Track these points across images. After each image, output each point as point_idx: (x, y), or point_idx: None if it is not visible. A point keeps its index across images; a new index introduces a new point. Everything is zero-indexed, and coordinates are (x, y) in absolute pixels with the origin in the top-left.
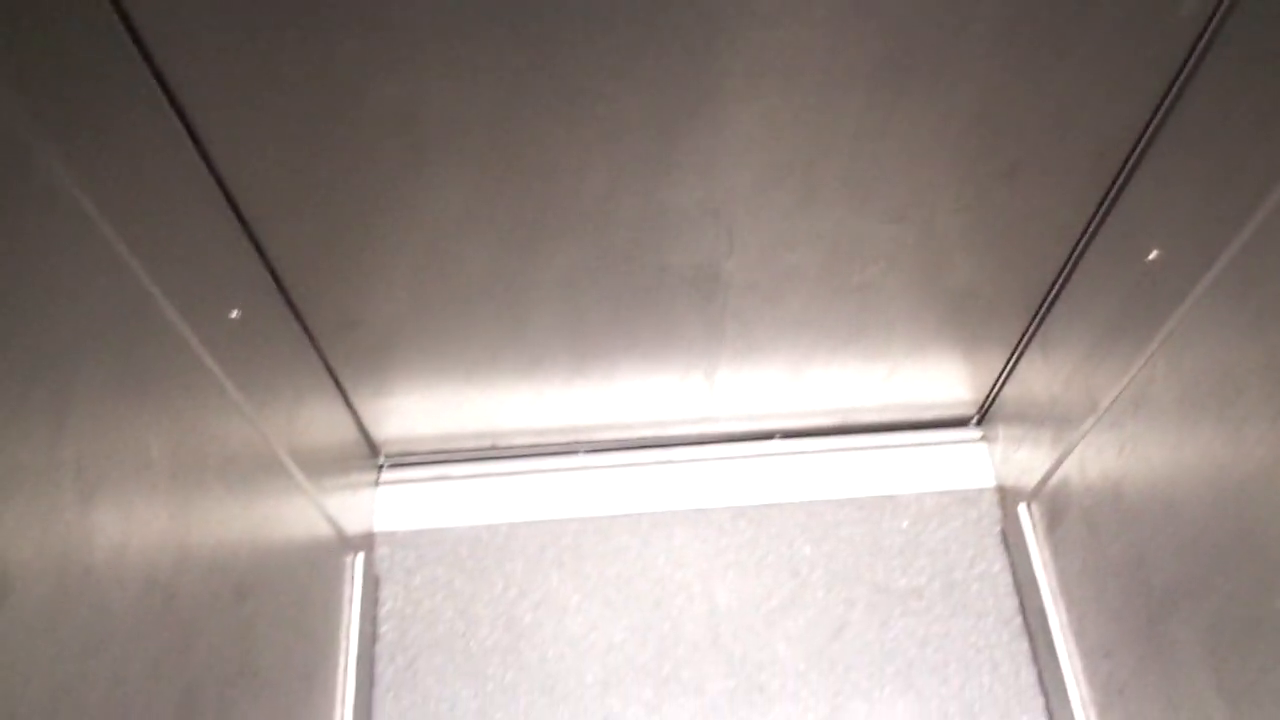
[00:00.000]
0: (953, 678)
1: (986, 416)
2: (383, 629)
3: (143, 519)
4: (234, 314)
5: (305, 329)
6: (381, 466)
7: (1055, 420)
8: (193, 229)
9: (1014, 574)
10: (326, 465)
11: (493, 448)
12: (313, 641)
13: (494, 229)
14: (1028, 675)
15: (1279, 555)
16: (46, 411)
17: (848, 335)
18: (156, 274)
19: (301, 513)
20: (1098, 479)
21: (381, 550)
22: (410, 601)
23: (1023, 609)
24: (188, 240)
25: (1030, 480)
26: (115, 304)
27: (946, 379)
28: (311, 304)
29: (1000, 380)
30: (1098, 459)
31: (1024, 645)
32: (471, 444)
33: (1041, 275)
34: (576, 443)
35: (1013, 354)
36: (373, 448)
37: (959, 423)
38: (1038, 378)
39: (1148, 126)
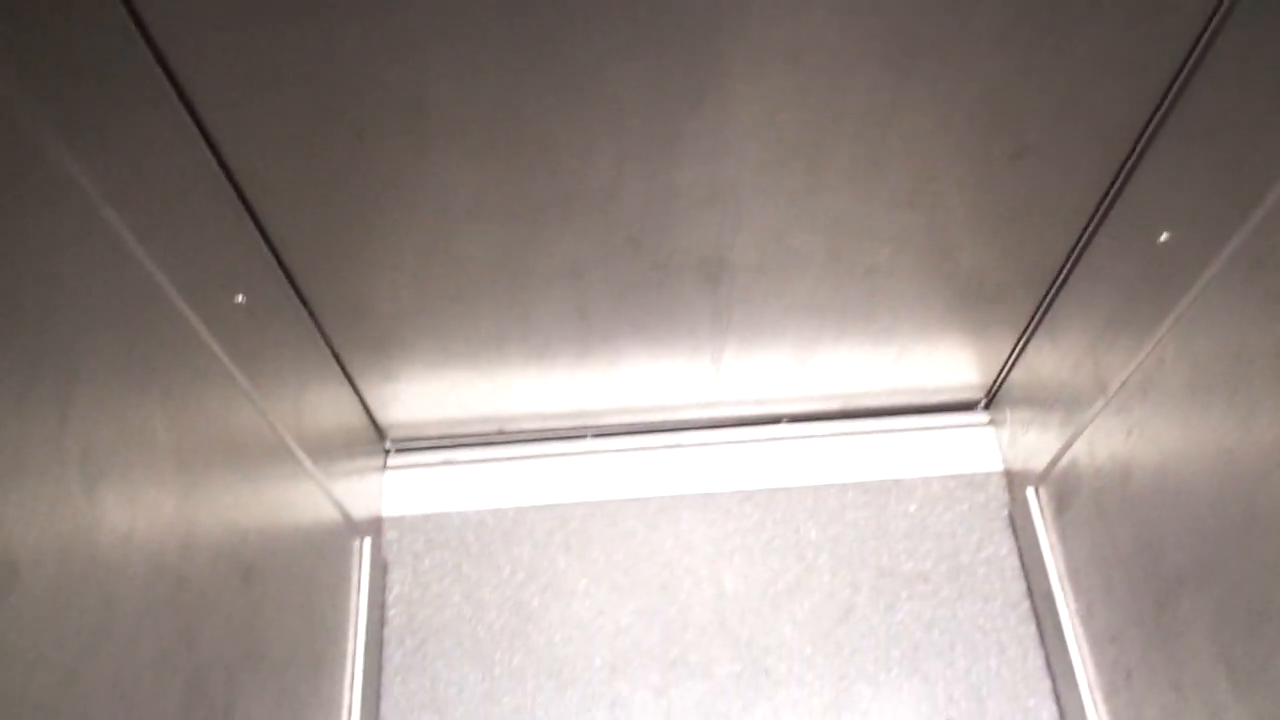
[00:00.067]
0: (959, 661)
1: (994, 400)
2: (390, 613)
3: (149, 505)
4: (239, 299)
5: (311, 314)
6: (388, 451)
7: (1064, 404)
8: (197, 215)
9: (1021, 558)
10: (333, 450)
11: (499, 432)
12: (321, 626)
13: (499, 214)
14: (1035, 659)
15: None
16: (52, 398)
17: (855, 319)
18: (161, 260)
19: (308, 498)
20: (1106, 463)
21: (389, 535)
22: (418, 586)
23: (1030, 593)
24: (193, 226)
25: (1038, 464)
26: (120, 290)
27: (954, 363)
28: (317, 290)
29: (1008, 364)
30: (1106, 443)
31: (1031, 629)
32: (478, 429)
33: (1050, 259)
34: (583, 427)
35: (1021, 337)
36: (379, 432)
37: (966, 407)
38: (1046, 361)
39: (1158, 109)
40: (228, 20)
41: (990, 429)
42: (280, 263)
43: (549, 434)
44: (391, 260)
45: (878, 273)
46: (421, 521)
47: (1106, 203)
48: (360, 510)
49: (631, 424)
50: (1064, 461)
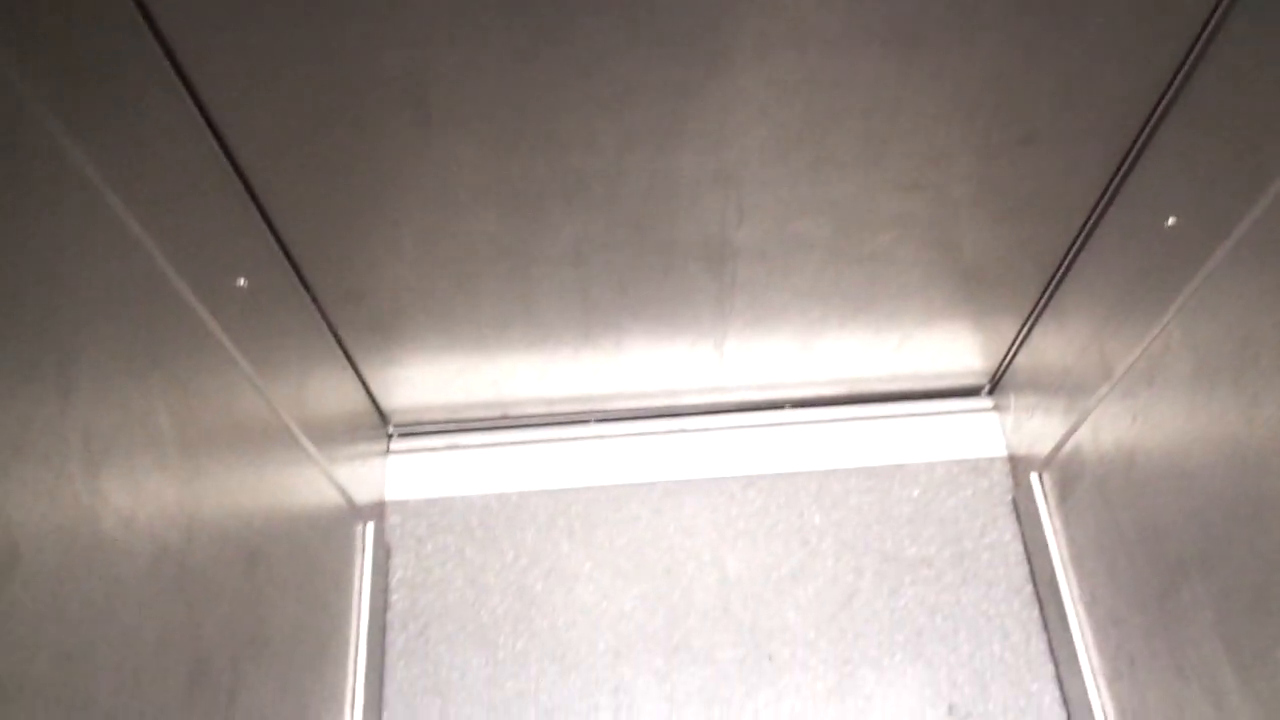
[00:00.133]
0: (962, 646)
1: (998, 385)
2: (394, 597)
3: (152, 489)
4: (241, 283)
5: (313, 298)
6: (391, 436)
7: (1068, 389)
8: (200, 198)
9: (1025, 543)
10: (336, 434)
11: (503, 417)
12: (324, 610)
13: (502, 198)
14: (1038, 644)
15: None
16: (53, 382)
17: (859, 304)
18: (164, 243)
19: (312, 482)
20: (1111, 448)
21: (392, 519)
22: (421, 570)
23: (1033, 578)
24: (195, 210)
25: (1042, 449)
26: (122, 274)
27: (958, 348)
28: (319, 274)
29: (1013, 349)
30: (1111, 428)
31: (1034, 614)
32: (481, 413)
33: (1056, 243)
34: (587, 412)
35: (1026, 322)
36: (382, 417)
37: (970, 392)
38: (1051, 346)
39: (1165, 93)
40: (231, 6)
41: (994, 414)
42: (283, 246)
43: (552, 419)
44: (394, 244)
45: (882, 258)
46: (425, 506)
47: (1113, 188)
48: (363, 495)
49: (635, 409)
50: (1068, 447)
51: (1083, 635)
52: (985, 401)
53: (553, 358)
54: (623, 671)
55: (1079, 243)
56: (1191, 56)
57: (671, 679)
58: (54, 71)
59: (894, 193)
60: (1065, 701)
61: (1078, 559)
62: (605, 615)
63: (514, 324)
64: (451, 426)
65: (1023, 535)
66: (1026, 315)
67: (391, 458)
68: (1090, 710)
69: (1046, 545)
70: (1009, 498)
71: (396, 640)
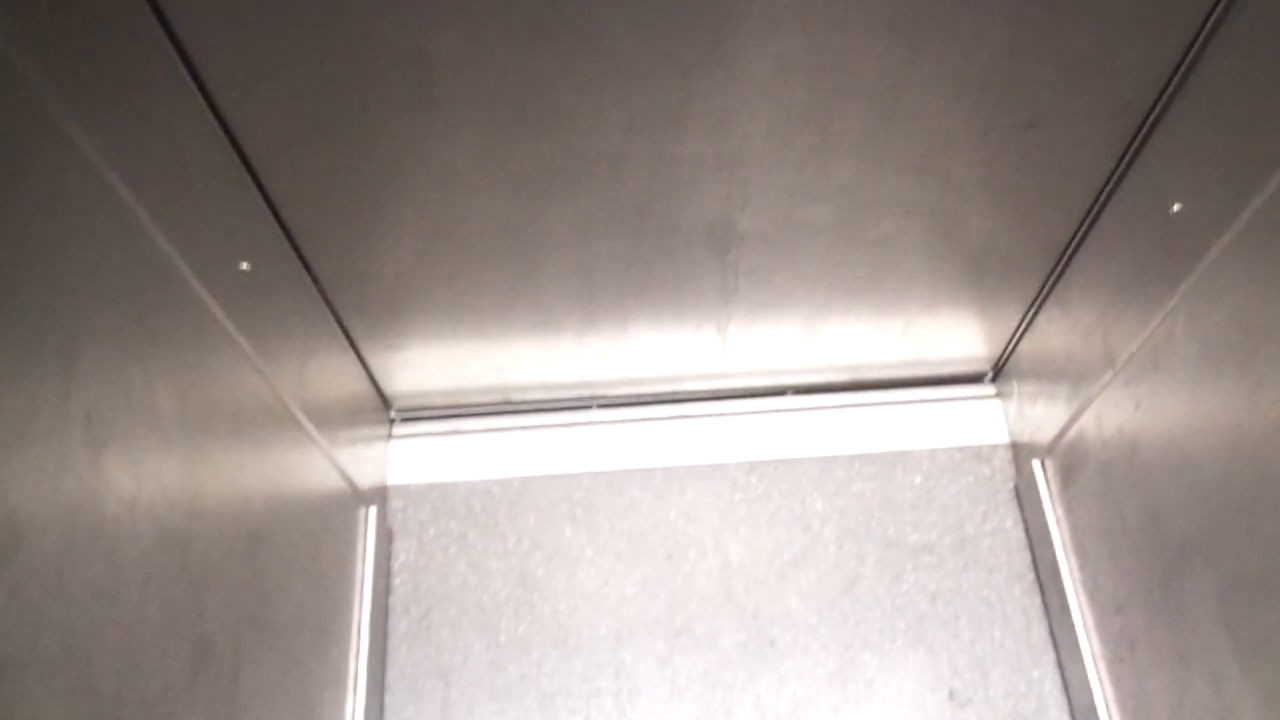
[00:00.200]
0: (964, 632)
1: (1002, 372)
2: (396, 581)
3: (154, 471)
4: (243, 265)
5: (316, 282)
6: (393, 420)
7: (1072, 375)
8: (201, 180)
9: (1027, 529)
10: (338, 418)
11: (505, 402)
12: (327, 593)
13: (505, 181)
14: (1039, 630)
15: None
16: (56, 364)
17: (862, 290)
18: (166, 227)
19: (314, 466)
20: (1114, 435)
21: (395, 503)
22: (423, 554)
23: (1035, 564)
24: (196, 191)
25: (1045, 436)
26: (125, 257)
27: (962, 334)
28: (322, 257)
29: (1016, 335)
30: (1114, 414)
31: (1036, 600)
32: (484, 398)
33: (1060, 229)
34: (589, 397)
35: (1030, 308)
36: (384, 401)
37: (973, 378)
38: (1055, 332)
39: (1171, 79)
40: None
41: (997, 401)
42: (285, 230)
43: (554, 404)
44: (397, 228)
45: (887, 243)
46: (427, 490)
47: (1118, 173)
48: (365, 479)
49: (637, 394)
50: (1071, 434)
51: (1084, 622)
52: (988, 388)
53: (555, 342)
54: (624, 656)
55: (1083, 228)
56: (1198, 42)
57: (673, 663)
58: (57, 55)
59: (899, 177)
60: (1066, 687)
61: (1079, 546)
62: (607, 600)
63: (517, 308)
64: (454, 411)
65: (1025, 522)
66: (1030, 301)
67: (394, 442)
68: (1091, 696)
69: (1048, 532)
70: (1011, 484)
71: (399, 624)
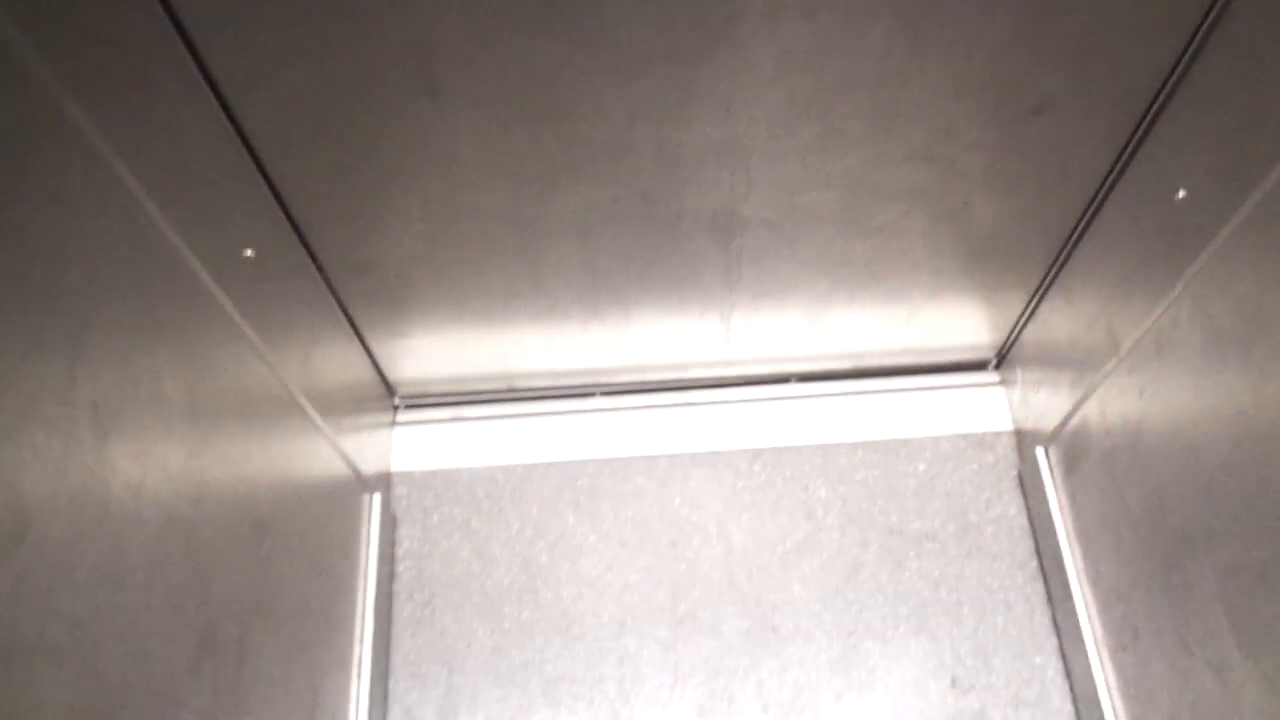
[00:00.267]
0: (966, 619)
1: (1005, 360)
2: (400, 568)
3: (159, 457)
4: (248, 253)
5: (320, 269)
6: (397, 407)
7: (1075, 363)
8: (207, 168)
9: (1030, 517)
10: (342, 405)
11: (509, 389)
12: (331, 579)
13: (509, 169)
14: (1042, 617)
15: None
16: (62, 351)
17: (866, 278)
18: (171, 214)
19: (318, 452)
20: (1118, 422)
21: (399, 490)
22: (427, 541)
23: (1038, 552)
24: (201, 179)
25: (1048, 423)
26: (129, 243)
27: (966, 322)
28: (326, 244)
29: (1020, 323)
30: (1118, 402)
31: (1039, 588)
32: (487, 385)
33: (1065, 216)
34: (593, 385)
35: (1034, 296)
36: (388, 388)
37: (977, 366)
38: (1059, 320)
39: (1176, 65)
40: None
41: (1000, 388)
42: (290, 218)
43: (558, 391)
44: (401, 215)
45: (891, 230)
46: (431, 477)
47: (1123, 160)
48: (370, 465)
49: (641, 382)
50: (1074, 421)
51: (1087, 609)
52: (992, 376)
53: (559, 330)
54: (627, 642)
55: (1088, 215)
56: (1203, 29)
57: (676, 650)
58: (63, 44)
59: (903, 164)
60: (1068, 674)
61: (1083, 533)
62: (610, 587)
63: (521, 296)
64: (458, 398)
65: (1028, 509)
66: (1034, 289)
67: (398, 429)
68: (1093, 683)
69: (1051, 519)
70: (1014, 472)
71: (403, 610)
